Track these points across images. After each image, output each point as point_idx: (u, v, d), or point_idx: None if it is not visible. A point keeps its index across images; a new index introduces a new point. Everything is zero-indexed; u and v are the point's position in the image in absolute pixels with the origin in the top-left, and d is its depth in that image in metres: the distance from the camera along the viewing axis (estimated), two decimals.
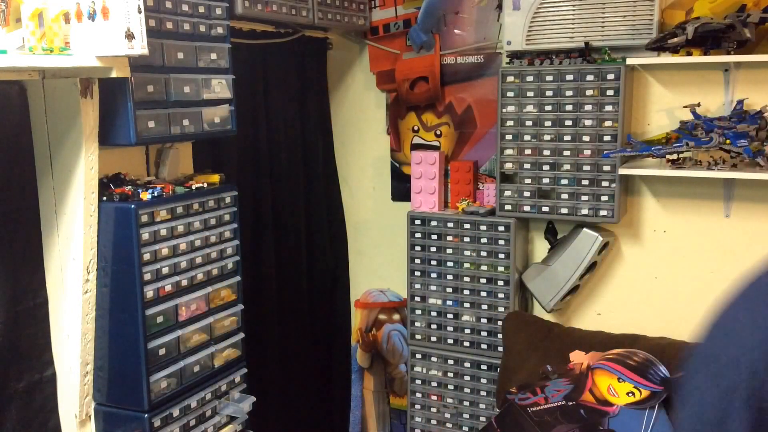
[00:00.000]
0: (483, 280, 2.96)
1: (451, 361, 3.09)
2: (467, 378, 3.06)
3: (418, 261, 3.08)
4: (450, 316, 3.06)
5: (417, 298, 3.11)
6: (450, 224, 2.99)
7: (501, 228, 2.89)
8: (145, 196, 2.11)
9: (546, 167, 2.76)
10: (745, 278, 0.87)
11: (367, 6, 3.17)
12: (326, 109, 3.42)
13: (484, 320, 2.99)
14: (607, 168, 2.66)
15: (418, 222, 3.06)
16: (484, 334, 3.00)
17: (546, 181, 2.77)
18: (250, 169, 2.95)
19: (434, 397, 3.16)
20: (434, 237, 3.03)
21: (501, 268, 2.92)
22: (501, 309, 2.94)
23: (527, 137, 2.78)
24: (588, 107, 2.66)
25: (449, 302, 3.05)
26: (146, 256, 2.09)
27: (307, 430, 3.43)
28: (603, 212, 2.70)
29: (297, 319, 3.28)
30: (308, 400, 3.40)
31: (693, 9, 2.58)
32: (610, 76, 2.61)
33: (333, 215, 3.49)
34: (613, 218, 2.69)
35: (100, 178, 2.07)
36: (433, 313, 3.09)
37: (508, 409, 2.60)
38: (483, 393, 3.04)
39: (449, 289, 3.03)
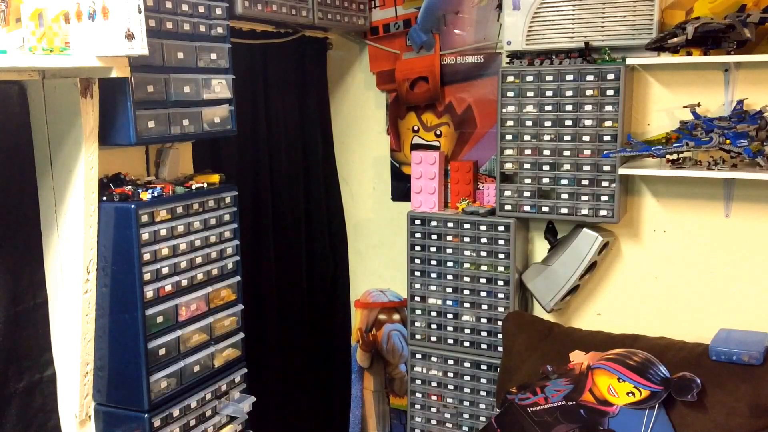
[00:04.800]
0: (483, 280, 2.96)
1: (451, 361, 3.09)
2: (467, 378, 3.06)
3: (418, 261, 3.08)
4: (450, 316, 3.06)
5: (417, 298, 3.11)
6: (450, 224, 2.99)
7: (501, 228, 2.89)
8: (145, 196, 2.12)
9: (546, 167, 2.76)
10: None
11: (367, 6, 3.17)
12: (326, 109, 3.42)
13: (484, 320, 2.99)
14: (607, 168, 2.66)
15: (418, 222, 3.06)
16: (484, 334, 3.00)
17: (546, 181, 2.77)
18: (250, 169, 2.95)
19: (434, 397, 3.16)
20: (434, 237, 3.03)
21: (501, 268, 2.92)
22: (501, 309, 2.94)
23: (527, 137, 2.78)
24: (588, 107, 2.66)
25: (449, 302, 3.05)
26: (146, 256, 2.10)
27: (307, 430, 3.43)
28: (603, 212, 2.70)
29: (297, 319, 3.28)
30: (308, 400, 3.40)
31: (693, 9, 2.58)
32: (610, 76, 2.61)
33: (333, 215, 3.49)
34: (613, 218, 2.69)
35: (100, 178, 2.07)
36: (433, 313, 3.09)
37: (508, 409, 2.60)
38: (483, 393, 3.04)
39: (449, 289, 3.03)
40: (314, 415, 3.46)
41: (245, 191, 2.79)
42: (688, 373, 2.42)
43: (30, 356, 2.10)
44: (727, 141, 2.42)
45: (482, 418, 3.03)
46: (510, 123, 2.80)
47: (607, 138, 2.65)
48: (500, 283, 2.93)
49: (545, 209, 2.79)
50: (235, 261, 2.46)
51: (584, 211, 2.73)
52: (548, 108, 2.72)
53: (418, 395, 3.19)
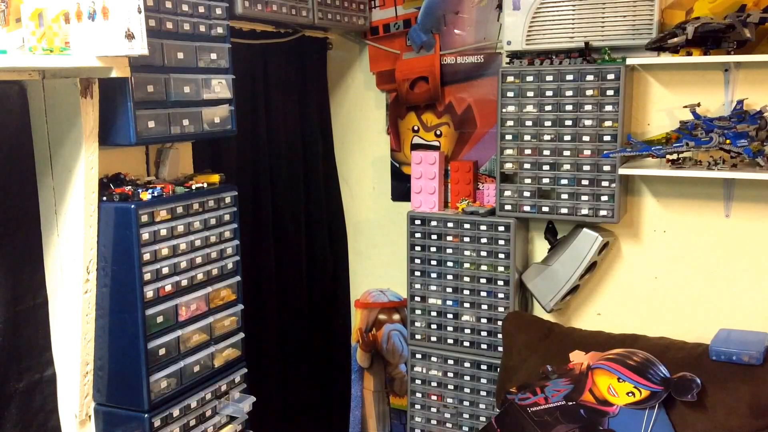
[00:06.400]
0: (483, 280, 2.96)
1: (451, 361, 3.09)
2: (467, 378, 3.06)
3: (418, 261, 3.08)
4: (450, 316, 3.05)
5: (417, 298, 3.11)
6: (450, 224, 2.99)
7: (501, 228, 2.89)
8: (145, 196, 2.12)
9: (546, 167, 2.76)
10: None
11: (367, 6, 3.17)
12: (326, 109, 3.42)
13: (484, 320, 2.99)
14: (607, 168, 2.66)
15: (418, 222, 3.06)
16: (484, 334, 3.00)
17: (546, 181, 2.77)
18: (250, 169, 2.95)
19: (434, 397, 3.16)
20: (434, 237, 3.03)
21: (501, 268, 2.92)
22: (501, 309, 2.94)
23: (527, 137, 2.78)
24: (588, 107, 2.66)
25: (449, 302, 3.05)
26: (146, 256, 2.10)
27: (307, 430, 3.43)
28: (603, 212, 2.70)
29: (297, 320, 3.28)
30: (308, 400, 3.40)
31: (693, 9, 2.58)
32: (610, 76, 2.61)
33: (333, 215, 3.49)
34: (613, 218, 2.69)
35: (100, 178, 2.07)
36: (433, 313, 3.09)
37: (508, 409, 2.60)
38: (483, 393, 3.04)
39: (449, 289, 3.03)
40: (314, 415, 3.46)
41: (245, 191, 2.79)
42: (688, 373, 2.42)
43: (30, 356, 2.10)
44: (727, 141, 2.42)
45: (482, 418, 3.03)
46: (510, 123, 2.80)
47: (607, 138, 2.65)
48: (500, 283, 2.93)
49: (545, 209, 2.79)
50: (235, 261, 2.46)
51: (584, 211, 2.73)
52: (548, 108, 2.72)
53: (418, 395, 3.19)
